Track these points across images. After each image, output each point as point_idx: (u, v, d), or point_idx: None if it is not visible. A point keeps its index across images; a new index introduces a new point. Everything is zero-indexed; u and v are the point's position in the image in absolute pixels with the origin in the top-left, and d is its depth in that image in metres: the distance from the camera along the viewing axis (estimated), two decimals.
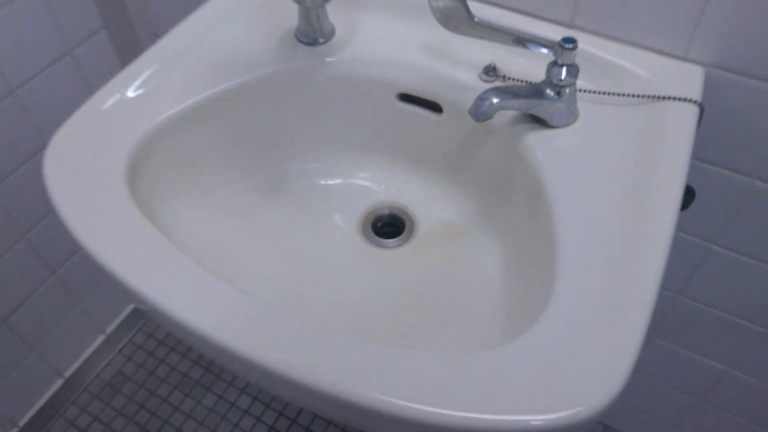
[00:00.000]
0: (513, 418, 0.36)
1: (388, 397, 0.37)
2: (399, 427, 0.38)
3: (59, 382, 1.09)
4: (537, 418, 0.36)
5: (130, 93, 0.55)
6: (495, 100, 0.48)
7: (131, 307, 1.19)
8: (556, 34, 0.55)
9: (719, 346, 0.77)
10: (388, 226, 0.63)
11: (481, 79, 0.55)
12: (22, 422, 1.05)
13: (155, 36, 0.92)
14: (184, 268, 0.44)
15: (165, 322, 0.43)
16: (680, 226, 0.67)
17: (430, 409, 0.36)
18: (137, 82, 0.55)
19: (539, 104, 0.49)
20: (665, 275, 0.72)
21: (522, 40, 0.51)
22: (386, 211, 0.63)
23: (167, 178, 0.55)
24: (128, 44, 0.92)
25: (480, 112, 0.48)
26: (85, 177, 0.49)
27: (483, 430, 0.36)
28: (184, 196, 0.56)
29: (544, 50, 0.50)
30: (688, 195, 0.59)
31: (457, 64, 0.56)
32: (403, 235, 0.62)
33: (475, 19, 0.50)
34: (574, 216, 0.45)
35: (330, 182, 0.64)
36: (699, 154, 0.59)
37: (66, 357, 1.10)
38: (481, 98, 0.48)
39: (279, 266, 0.58)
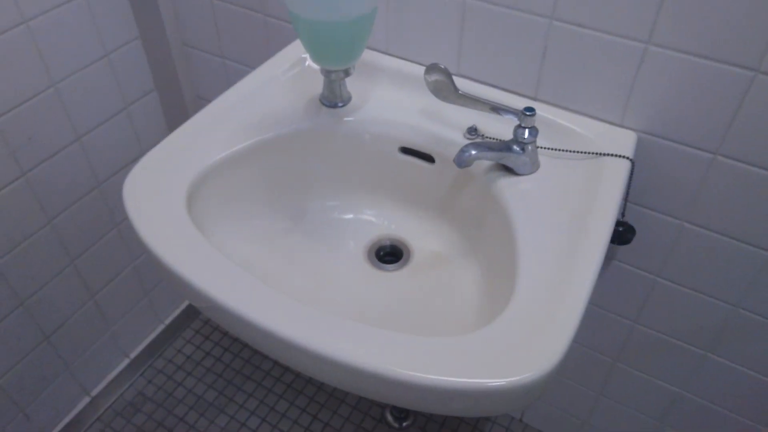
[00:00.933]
0: (476, 380, 0.49)
1: (391, 366, 0.49)
2: (395, 389, 0.50)
3: (86, 400, 1.20)
4: (492, 381, 0.49)
5: (189, 140, 0.70)
6: (473, 152, 0.63)
7: (154, 334, 1.31)
8: (522, 104, 0.71)
9: (671, 369, 0.89)
10: (389, 255, 0.77)
11: (465, 137, 0.71)
12: None
13: (198, 98, 1.09)
14: (229, 271, 0.57)
15: (213, 312, 0.57)
16: (630, 261, 0.81)
17: (418, 374, 0.49)
18: (194, 132, 0.71)
19: (508, 156, 0.65)
20: (623, 305, 0.85)
21: (496, 108, 0.67)
22: (387, 242, 0.77)
23: (216, 205, 0.69)
24: (174, 103, 1.09)
25: (461, 161, 0.63)
26: (155, 201, 0.63)
27: (456, 389, 0.49)
28: (228, 221, 0.71)
29: (512, 116, 0.65)
30: (630, 232, 0.73)
31: (447, 125, 0.72)
32: (401, 261, 0.76)
33: (459, 91, 0.66)
34: (532, 241, 0.59)
35: (343, 217, 0.79)
36: (638, 199, 0.73)
37: (93, 377, 1.21)
38: (463, 150, 0.63)
39: (299, 281, 0.72)
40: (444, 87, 0.66)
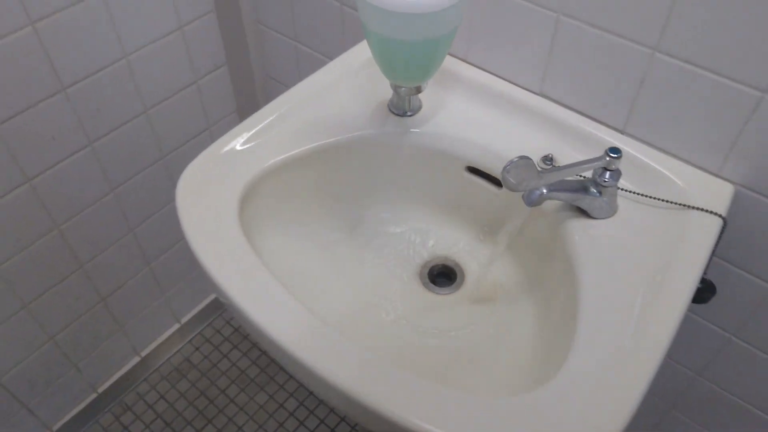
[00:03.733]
0: None
1: (433, 427, 0.46)
2: None
3: (135, 359, 1.25)
4: None
5: (252, 137, 0.67)
6: (544, 191, 0.57)
7: (205, 302, 1.33)
8: (608, 136, 0.65)
9: (732, 429, 0.82)
10: (442, 276, 0.74)
11: (539, 166, 0.65)
12: (101, 389, 1.20)
13: (269, 78, 1.06)
14: (272, 289, 0.55)
15: (247, 326, 0.55)
16: (706, 316, 0.73)
17: None
18: (258, 130, 0.68)
19: (583, 199, 0.59)
20: (687, 355, 0.78)
21: (582, 168, 0.58)
22: (442, 262, 0.74)
23: (268, 208, 0.67)
24: (244, 79, 1.07)
25: (530, 200, 0.58)
26: (207, 204, 0.61)
27: None
28: (279, 225, 0.68)
29: (596, 163, 0.58)
30: (709, 290, 0.66)
31: (521, 150, 0.66)
32: (454, 285, 0.72)
33: (540, 170, 0.56)
34: (598, 293, 0.54)
35: (398, 231, 0.75)
36: (724, 254, 0.66)
37: (144, 339, 1.25)
38: (533, 188, 0.58)
39: (346, 294, 0.69)
40: (526, 176, 0.57)
